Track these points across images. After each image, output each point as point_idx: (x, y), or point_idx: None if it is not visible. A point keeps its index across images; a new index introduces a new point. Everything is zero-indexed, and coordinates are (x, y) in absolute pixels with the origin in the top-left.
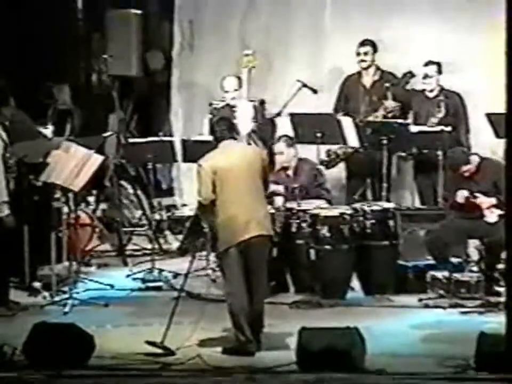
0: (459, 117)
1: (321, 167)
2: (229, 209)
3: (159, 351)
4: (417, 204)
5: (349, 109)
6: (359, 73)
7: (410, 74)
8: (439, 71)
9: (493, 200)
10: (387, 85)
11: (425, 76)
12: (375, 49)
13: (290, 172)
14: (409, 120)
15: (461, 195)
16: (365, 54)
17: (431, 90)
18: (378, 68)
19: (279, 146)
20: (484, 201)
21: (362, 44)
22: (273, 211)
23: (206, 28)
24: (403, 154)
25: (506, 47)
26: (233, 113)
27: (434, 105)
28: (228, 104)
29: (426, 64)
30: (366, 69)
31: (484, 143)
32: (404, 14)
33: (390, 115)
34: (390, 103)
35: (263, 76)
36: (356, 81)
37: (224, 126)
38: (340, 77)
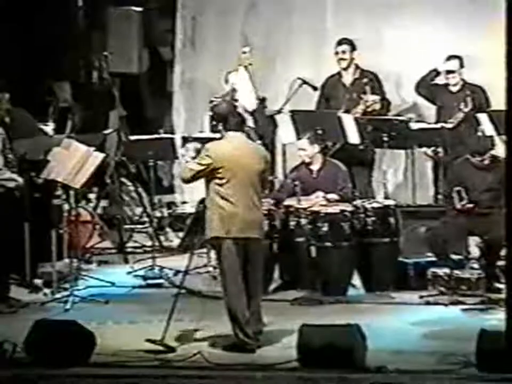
0: (482, 110)
1: (346, 170)
2: (232, 204)
3: (160, 348)
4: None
5: (330, 108)
6: (339, 73)
7: (435, 72)
8: (461, 65)
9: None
10: (365, 80)
11: (449, 71)
12: (353, 48)
13: (314, 168)
14: (432, 116)
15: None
16: (343, 52)
17: (455, 85)
18: (357, 67)
19: (302, 143)
20: None
21: (340, 43)
22: (274, 208)
23: (208, 25)
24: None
25: (506, 45)
26: (235, 96)
27: (459, 100)
28: (233, 89)
29: (448, 58)
30: (345, 68)
31: None
32: (405, 13)
33: (369, 109)
34: (368, 97)
35: (265, 73)
36: (336, 81)
37: (237, 118)
38: None
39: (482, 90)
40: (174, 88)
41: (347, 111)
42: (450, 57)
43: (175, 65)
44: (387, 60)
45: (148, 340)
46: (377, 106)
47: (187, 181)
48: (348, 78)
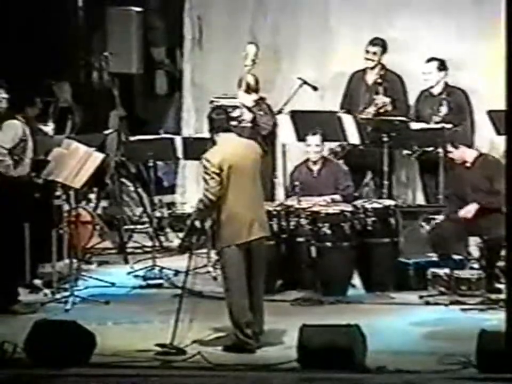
0: (464, 113)
1: (347, 169)
2: (234, 206)
3: (159, 349)
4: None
5: (352, 105)
6: (364, 70)
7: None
8: (441, 68)
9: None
10: (379, 80)
11: (424, 72)
12: (384, 50)
13: (315, 168)
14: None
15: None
16: (374, 53)
17: (434, 87)
18: (383, 67)
19: (315, 139)
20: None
21: (374, 43)
22: (275, 208)
23: (215, 26)
24: (408, 152)
25: (506, 46)
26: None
27: (437, 103)
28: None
29: (428, 60)
30: (372, 68)
31: (484, 140)
32: (410, 13)
33: (381, 110)
34: (379, 98)
35: (271, 74)
36: (360, 78)
37: (221, 115)
38: (346, 76)
39: (464, 93)
40: (184, 88)
41: (362, 111)
42: (430, 59)
43: (184, 65)
44: (391, 59)
45: (158, 344)
46: (389, 108)
47: (216, 199)
48: (370, 77)
